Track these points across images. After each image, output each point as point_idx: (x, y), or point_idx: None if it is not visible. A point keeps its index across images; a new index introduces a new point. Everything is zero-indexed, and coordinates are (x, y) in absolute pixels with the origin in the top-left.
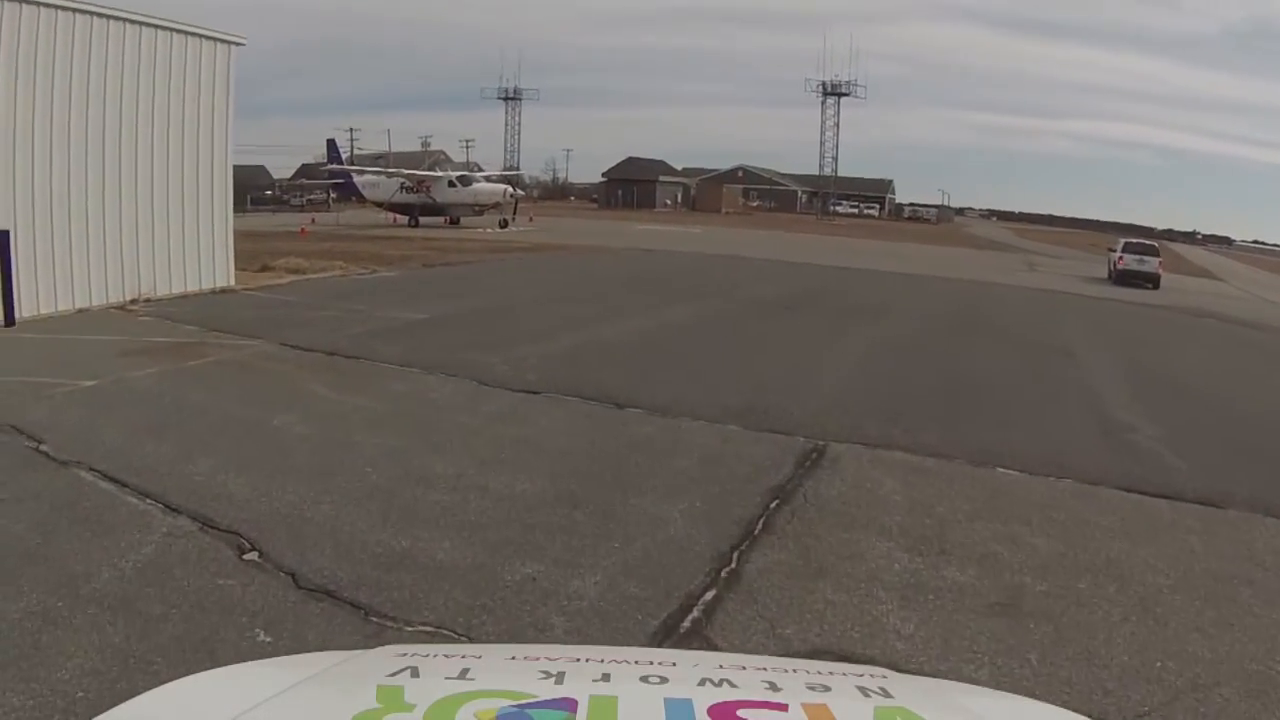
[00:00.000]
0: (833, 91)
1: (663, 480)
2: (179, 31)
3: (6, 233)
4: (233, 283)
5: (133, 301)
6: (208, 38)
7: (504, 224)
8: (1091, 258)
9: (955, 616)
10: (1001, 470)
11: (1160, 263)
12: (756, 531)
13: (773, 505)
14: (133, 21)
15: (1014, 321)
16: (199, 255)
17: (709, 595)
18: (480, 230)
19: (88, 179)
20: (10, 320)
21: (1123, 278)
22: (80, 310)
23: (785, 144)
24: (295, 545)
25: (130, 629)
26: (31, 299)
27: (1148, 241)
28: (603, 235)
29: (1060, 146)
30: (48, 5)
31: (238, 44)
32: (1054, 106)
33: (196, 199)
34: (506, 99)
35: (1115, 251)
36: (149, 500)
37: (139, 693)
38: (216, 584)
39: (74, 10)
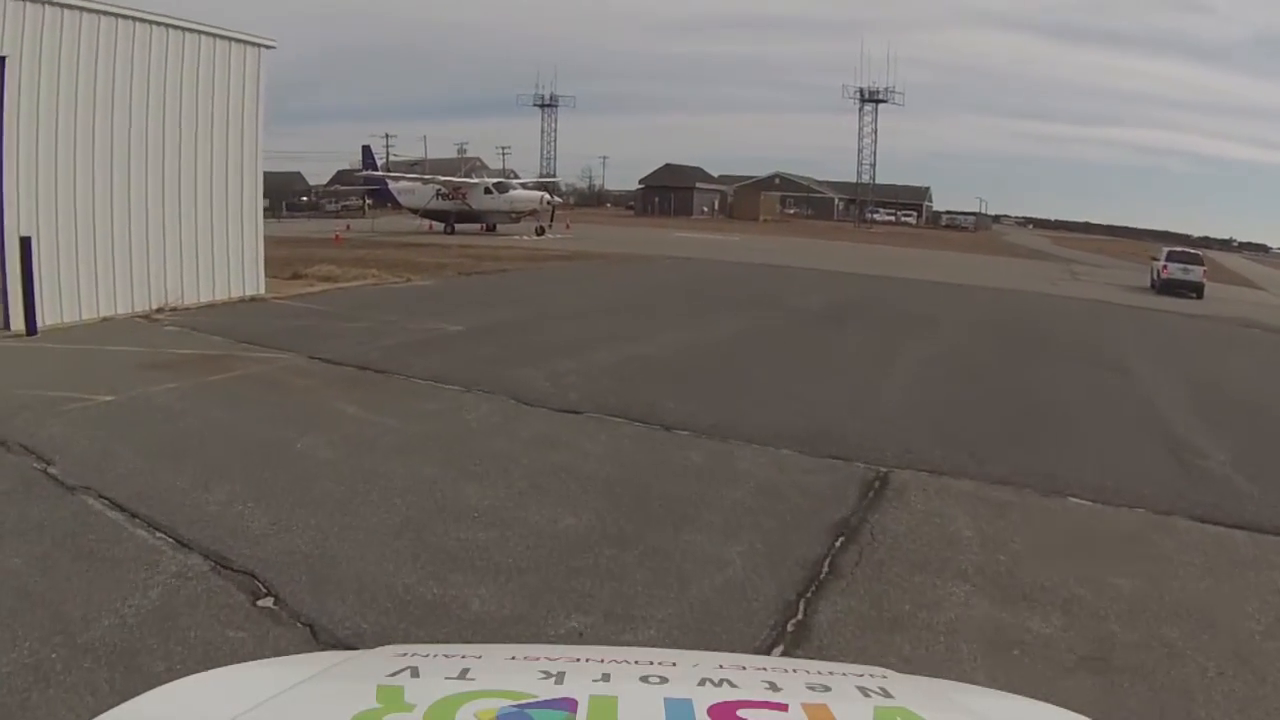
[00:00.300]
0: (870, 98)
1: (718, 514)
2: (207, 34)
3: (29, 239)
4: (263, 291)
5: (158, 310)
6: (237, 40)
7: (541, 231)
8: (1132, 266)
9: (1045, 675)
10: (1073, 500)
11: (1204, 271)
12: (823, 575)
13: (838, 543)
14: (159, 24)
15: (1064, 333)
16: (228, 263)
17: (777, 653)
18: (517, 237)
19: (112, 184)
20: (32, 329)
21: (1167, 287)
22: (104, 319)
23: (822, 151)
24: (315, 591)
25: (127, 687)
26: (54, 307)
27: (1191, 250)
28: (641, 243)
29: (1096, 153)
30: (70, 6)
31: (268, 47)
32: (1090, 113)
33: (226, 205)
34: (543, 106)
35: (1159, 260)
36: (160, 534)
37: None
38: (226, 636)
39: (98, 12)
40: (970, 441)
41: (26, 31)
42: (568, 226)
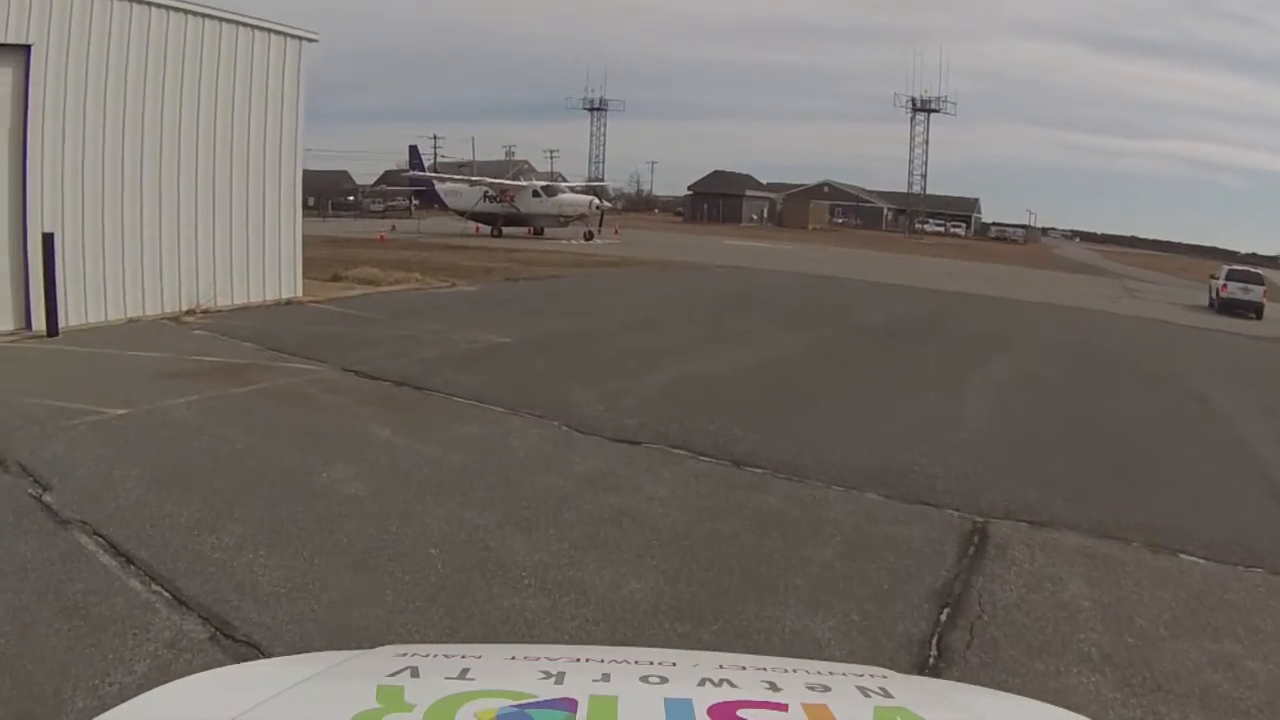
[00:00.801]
0: (922, 108)
1: (804, 578)
2: (245, 25)
3: (51, 235)
4: (299, 293)
5: (188, 312)
6: (277, 33)
7: (589, 236)
8: (1186, 283)
9: None
10: (1186, 558)
11: (1265, 291)
12: (931, 659)
13: (944, 616)
14: (194, 13)
15: (1134, 357)
16: (263, 263)
17: None
18: (565, 242)
19: (142, 180)
20: (53, 330)
21: (1226, 306)
22: (130, 320)
23: (870, 160)
24: None
25: None
26: (78, 307)
27: (1252, 269)
28: (691, 250)
29: (1145, 166)
30: None
31: (310, 40)
32: (1140, 126)
33: (263, 203)
34: (592, 109)
35: (1218, 279)
36: (155, 586)
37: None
38: None
39: (129, 0)
40: (1063, 482)
41: (54, 20)
42: (616, 232)
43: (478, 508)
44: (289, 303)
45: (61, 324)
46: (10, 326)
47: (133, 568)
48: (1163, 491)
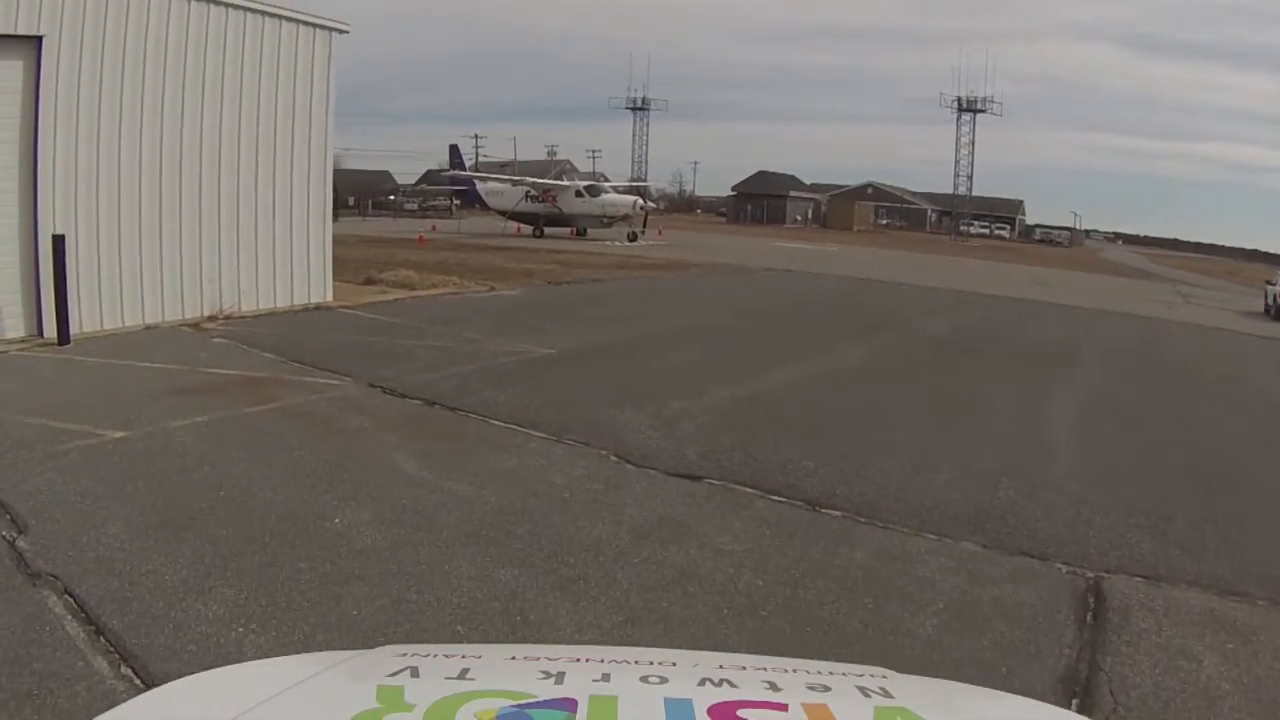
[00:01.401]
0: (968, 108)
1: (907, 661)
2: (271, 15)
3: (62, 238)
4: (329, 298)
5: (210, 318)
6: (305, 23)
7: (633, 237)
8: (1237, 288)
9: None
10: None
11: None
12: None
13: (1073, 706)
14: (217, 3)
15: (1209, 370)
16: (290, 266)
17: None
18: (608, 243)
19: (161, 178)
20: (64, 338)
21: None
22: (148, 327)
23: (913, 162)
24: None
25: None
26: (93, 313)
27: None
28: (737, 252)
29: (1187, 169)
30: None
31: (340, 31)
32: (1184, 128)
33: (290, 202)
34: (634, 109)
35: (1274, 285)
36: (125, 667)
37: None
38: None
39: None
40: (1172, 525)
41: (67, 9)
42: (660, 233)
43: (515, 565)
44: (317, 308)
45: (75, 330)
46: (21, 333)
47: (103, 641)
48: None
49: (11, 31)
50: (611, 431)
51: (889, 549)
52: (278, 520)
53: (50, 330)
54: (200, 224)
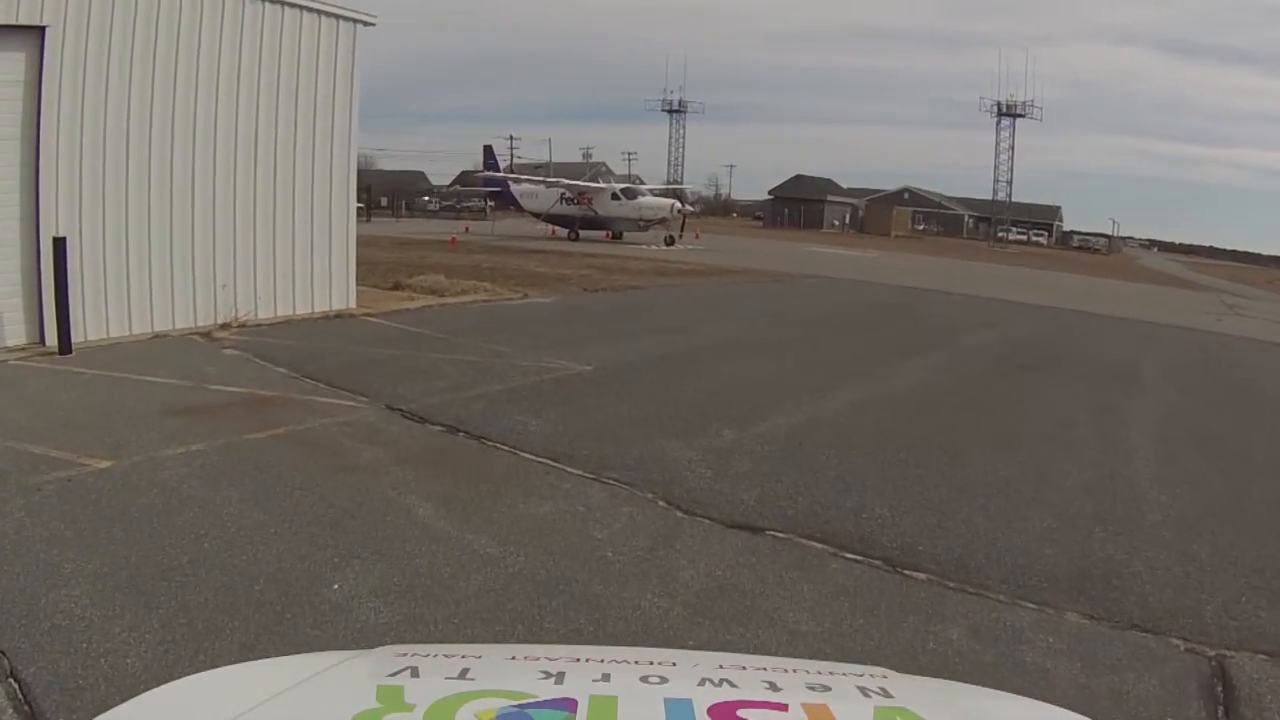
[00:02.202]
0: (1007, 112)
1: None
2: (291, 5)
3: (64, 240)
4: (352, 305)
5: (224, 326)
6: (328, 14)
7: (670, 241)
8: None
9: None
10: None
11: None
12: None
13: None
14: None
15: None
16: (311, 271)
17: None
18: (644, 247)
19: (172, 177)
20: (66, 347)
21: None
22: (157, 335)
23: (949, 167)
24: None
25: None
26: (98, 320)
27: None
28: (777, 258)
29: (1222, 175)
30: None
31: (366, 23)
32: (1217, 134)
33: (310, 203)
34: (671, 111)
35: None
36: None
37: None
38: None
39: None
40: None
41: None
42: (697, 236)
43: None
44: (338, 316)
45: (79, 338)
46: (23, 340)
47: None
48: None
49: (13, 21)
50: (658, 468)
51: (987, 624)
52: (266, 584)
53: (53, 338)
54: (214, 226)
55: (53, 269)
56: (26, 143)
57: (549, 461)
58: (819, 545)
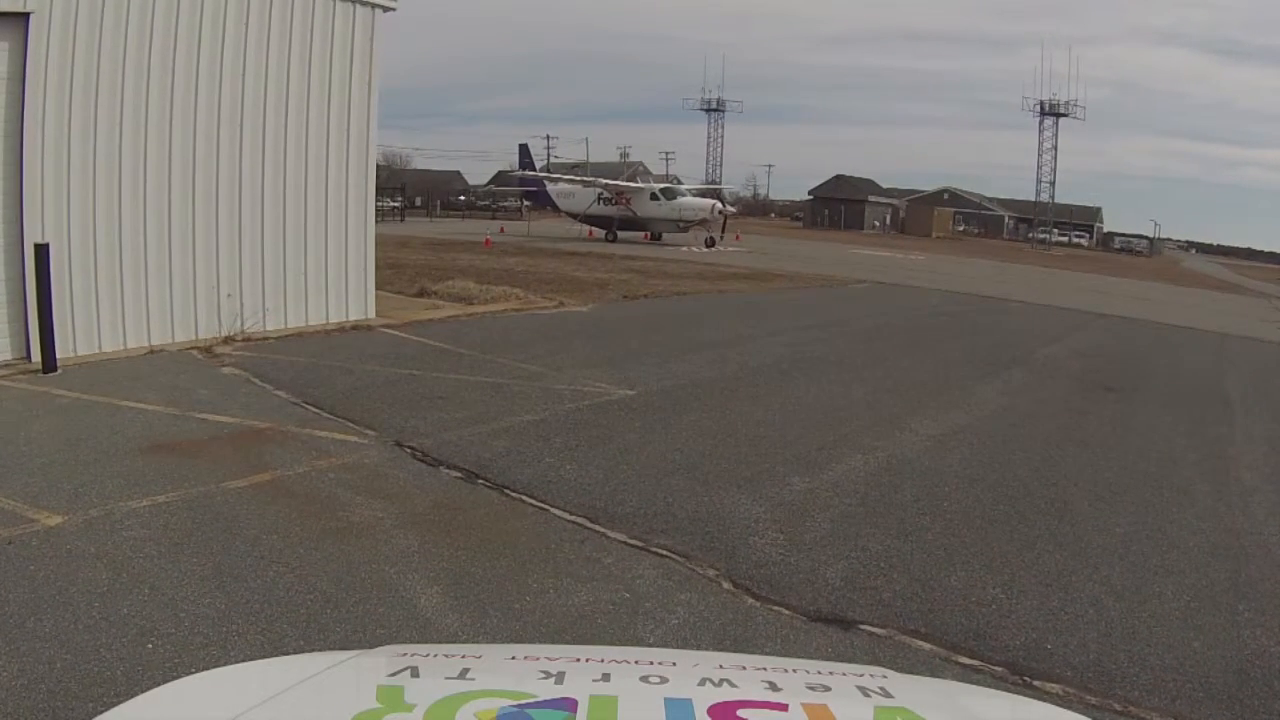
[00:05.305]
0: (1050, 111)
1: None
2: None
3: (46, 247)
4: (370, 315)
5: (227, 339)
6: None
7: (711, 243)
8: None
9: None
10: None
11: None
12: None
13: None
14: None
15: None
16: (325, 279)
17: None
18: (684, 249)
19: (170, 177)
20: (50, 364)
21: None
22: (152, 350)
23: (989, 167)
24: None
25: None
26: (88, 333)
27: None
28: (821, 260)
29: (1260, 176)
30: None
31: (386, 8)
32: (1260, 135)
33: (324, 205)
34: (709, 110)
35: None
36: None
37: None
38: None
39: None
40: None
41: None
42: (738, 237)
43: None
44: (354, 328)
45: (69, 354)
46: (9, 356)
47: None
48: None
49: None
50: (719, 532)
51: None
52: None
53: (38, 353)
54: (217, 230)
55: (34, 279)
56: (9, 140)
57: (585, 522)
58: (926, 646)
